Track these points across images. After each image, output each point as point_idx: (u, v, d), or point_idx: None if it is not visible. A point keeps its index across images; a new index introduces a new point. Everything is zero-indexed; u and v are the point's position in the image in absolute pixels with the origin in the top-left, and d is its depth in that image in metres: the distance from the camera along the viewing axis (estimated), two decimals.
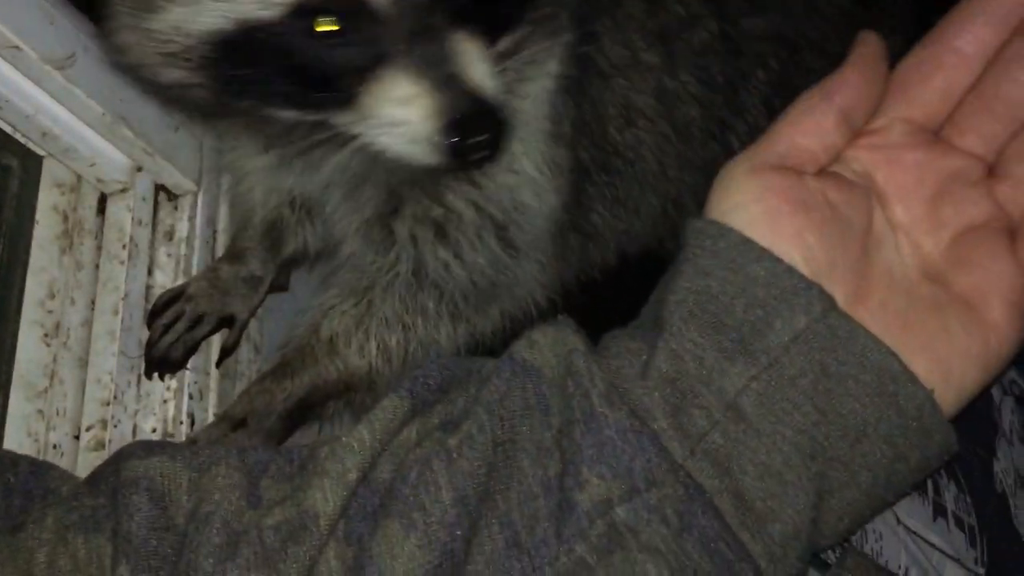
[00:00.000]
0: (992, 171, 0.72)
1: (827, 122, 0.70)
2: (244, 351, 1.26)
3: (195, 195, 1.25)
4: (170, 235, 1.23)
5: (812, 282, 0.65)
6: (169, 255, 1.23)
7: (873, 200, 0.71)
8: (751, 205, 0.67)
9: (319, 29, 0.87)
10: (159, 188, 1.24)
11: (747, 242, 0.66)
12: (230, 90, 0.96)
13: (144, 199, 1.21)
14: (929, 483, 0.84)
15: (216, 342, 1.23)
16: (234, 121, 1.11)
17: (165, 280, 1.22)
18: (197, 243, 1.23)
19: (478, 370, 0.73)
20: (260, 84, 0.93)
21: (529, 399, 0.68)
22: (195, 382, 1.17)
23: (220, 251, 1.27)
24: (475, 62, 0.90)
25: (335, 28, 0.87)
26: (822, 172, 0.71)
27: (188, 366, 1.17)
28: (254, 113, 1.00)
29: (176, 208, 1.24)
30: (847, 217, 0.68)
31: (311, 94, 0.92)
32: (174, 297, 1.20)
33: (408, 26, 0.87)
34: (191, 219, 1.23)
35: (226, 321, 1.24)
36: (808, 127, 0.70)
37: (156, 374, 1.17)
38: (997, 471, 0.82)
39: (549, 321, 0.73)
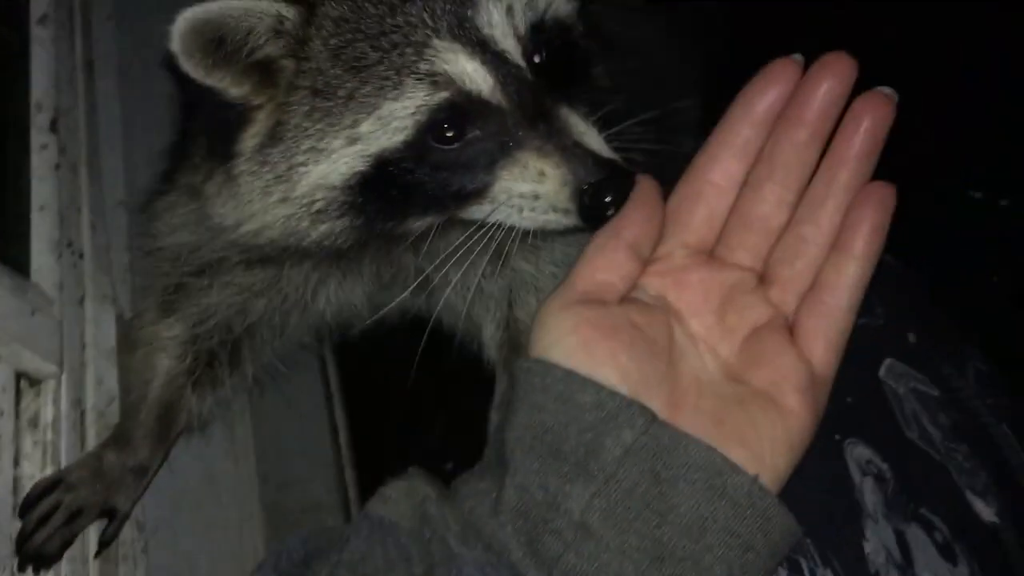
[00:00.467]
0: (762, 278, 0.82)
1: (619, 256, 0.79)
2: (126, 531, 1.22)
3: (58, 378, 1.22)
4: (35, 422, 1.20)
5: (632, 400, 0.71)
6: (35, 443, 1.19)
7: (670, 318, 0.79)
8: (567, 338, 0.75)
9: (446, 136, 0.97)
10: (19, 375, 1.21)
11: (571, 374, 0.73)
12: (374, 222, 1.03)
13: (4, 388, 1.18)
14: (806, 569, 0.87)
15: (94, 528, 1.19)
16: (362, 252, 1.14)
17: (33, 470, 1.17)
18: (64, 428, 1.20)
19: (338, 536, 0.76)
20: (399, 205, 1.01)
21: (390, 553, 0.73)
22: (72, 572, 1.12)
23: (90, 433, 1.24)
24: (586, 130, 0.98)
25: (460, 131, 0.97)
26: (623, 299, 0.79)
27: (64, 556, 1.13)
28: (393, 234, 1.05)
29: (39, 394, 1.21)
30: (651, 336, 0.76)
31: (448, 197, 1.00)
32: (50, 486, 1.16)
33: (524, 110, 0.96)
34: (56, 403, 1.20)
35: (107, 513, 1.20)
36: (604, 263, 0.79)
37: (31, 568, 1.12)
38: (868, 552, 0.86)
39: (399, 475, 0.77)
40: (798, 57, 0.80)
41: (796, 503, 0.74)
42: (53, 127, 1.47)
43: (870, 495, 0.89)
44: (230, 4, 0.95)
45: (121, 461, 1.21)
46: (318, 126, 0.99)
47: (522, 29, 0.98)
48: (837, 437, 0.89)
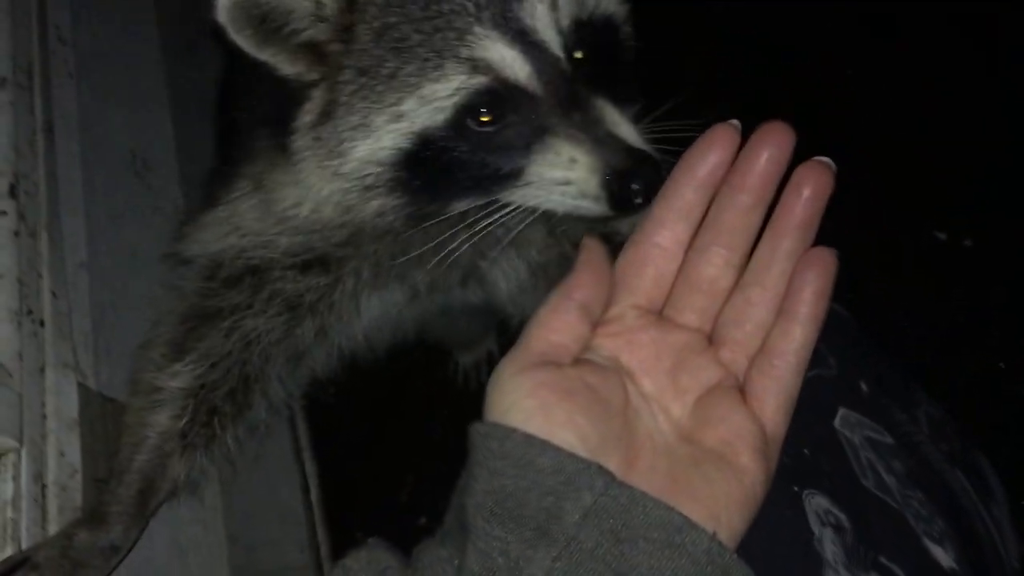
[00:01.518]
0: (712, 339, 0.84)
1: (571, 317, 0.81)
2: None
3: (18, 452, 1.20)
4: None
5: (590, 461, 0.72)
6: None
7: (624, 378, 0.81)
8: (524, 401, 0.75)
9: (484, 120, 1.03)
10: None
11: (529, 438, 0.73)
12: (420, 200, 1.08)
13: None
14: None
15: None
16: (415, 235, 1.16)
17: None
18: (24, 504, 1.17)
19: None
20: (442, 184, 1.07)
21: None
22: None
23: (51, 508, 1.22)
24: (620, 121, 1.02)
25: (497, 115, 1.02)
26: (577, 361, 0.80)
27: None
28: (439, 214, 1.10)
29: None
30: (607, 397, 0.77)
31: (486, 178, 1.05)
32: (15, 566, 1.13)
33: (559, 99, 1.02)
34: (15, 479, 1.18)
35: None
36: (557, 325, 0.80)
37: None
38: None
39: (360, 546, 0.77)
40: (735, 122, 0.83)
41: (757, 556, 0.76)
42: (12, 193, 1.45)
43: (830, 545, 0.90)
44: None
45: (92, 540, 1.18)
46: (364, 104, 1.06)
47: (565, 23, 1.04)
48: (795, 489, 0.90)
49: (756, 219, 0.82)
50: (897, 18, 2.52)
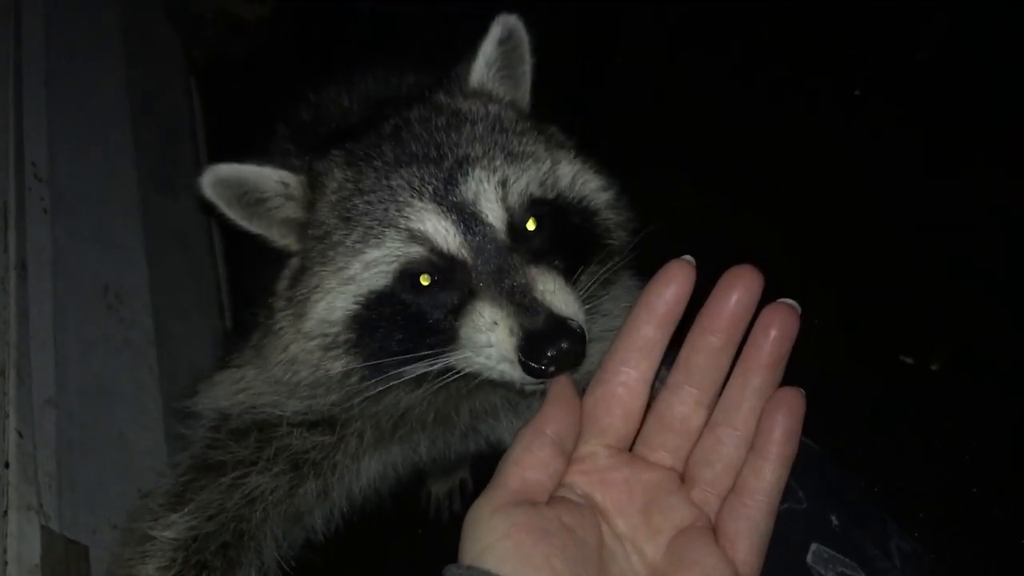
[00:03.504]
0: (684, 478, 0.85)
1: (545, 454, 0.81)
2: None
3: None
4: None
5: None
6: None
7: (598, 517, 0.81)
8: (500, 543, 0.75)
9: (424, 283, 1.10)
10: None
11: None
12: (377, 362, 1.13)
13: None
14: None
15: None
16: (387, 395, 1.20)
17: None
18: None
19: None
20: (392, 344, 1.12)
21: None
22: None
23: None
24: (554, 289, 1.06)
25: (434, 280, 1.10)
26: (552, 499, 0.80)
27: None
28: (397, 378, 1.14)
29: None
30: (582, 538, 0.77)
31: (426, 339, 1.10)
32: None
33: (490, 268, 1.08)
34: None
35: None
36: (531, 462, 0.81)
37: None
38: None
39: None
40: (689, 258, 0.85)
41: None
42: None
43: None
44: (239, 168, 1.15)
45: None
46: (321, 267, 1.15)
47: (514, 200, 1.12)
48: None
49: (726, 360, 0.84)
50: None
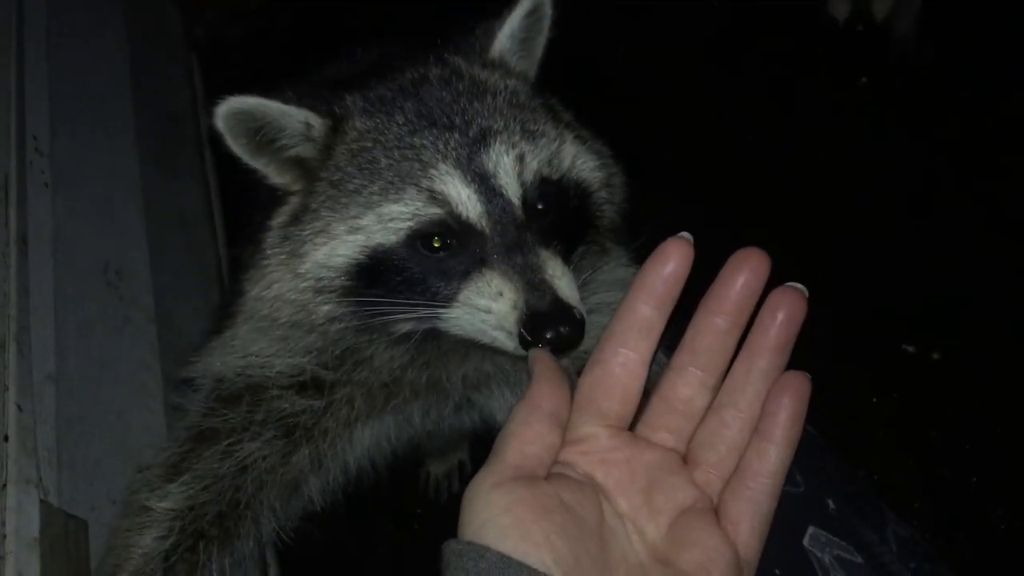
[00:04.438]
0: (686, 459, 0.85)
1: (542, 427, 0.81)
2: None
3: None
4: None
5: None
6: None
7: (599, 496, 0.81)
8: (500, 517, 0.75)
9: (435, 245, 1.10)
10: None
11: (504, 559, 0.72)
12: (365, 314, 1.13)
13: None
14: None
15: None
16: (370, 345, 1.21)
17: None
18: None
19: None
20: (387, 298, 1.12)
21: None
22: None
23: None
24: (560, 275, 1.07)
25: (445, 243, 1.10)
26: (553, 475, 0.80)
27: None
28: (384, 332, 1.16)
29: None
30: (582, 516, 0.77)
31: (426, 296, 1.11)
32: None
33: (505, 241, 1.09)
34: None
35: None
36: (530, 436, 0.80)
37: None
38: None
39: None
40: (686, 235, 0.84)
41: None
42: None
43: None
44: (265, 102, 1.12)
45: None
46: (329, 213, 1.14)
47: (529, 177, 1.12)
48: None
49: (731, 342, 0.84)
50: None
